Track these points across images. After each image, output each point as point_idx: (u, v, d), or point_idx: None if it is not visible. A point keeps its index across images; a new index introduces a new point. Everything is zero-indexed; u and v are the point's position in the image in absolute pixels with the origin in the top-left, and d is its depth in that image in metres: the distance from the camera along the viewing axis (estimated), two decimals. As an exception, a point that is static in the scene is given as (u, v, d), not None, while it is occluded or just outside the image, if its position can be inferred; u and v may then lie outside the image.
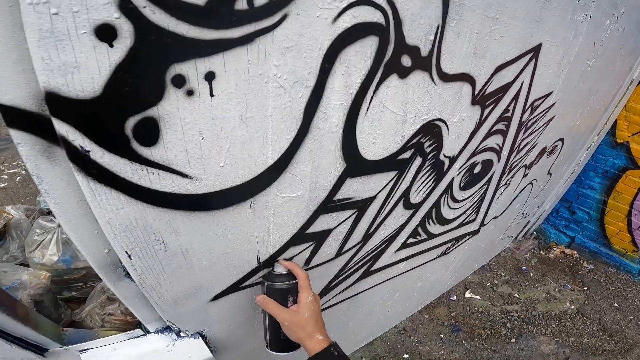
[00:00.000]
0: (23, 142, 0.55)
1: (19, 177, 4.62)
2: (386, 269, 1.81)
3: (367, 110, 0.93)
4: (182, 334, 1.08)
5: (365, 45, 0.80)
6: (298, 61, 0.71)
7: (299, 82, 0.74)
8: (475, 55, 1.13)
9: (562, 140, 2.52)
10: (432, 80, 1.05)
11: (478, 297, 3.26)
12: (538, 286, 3.44)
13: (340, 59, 0.77)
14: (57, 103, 0.51)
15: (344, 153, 0.97)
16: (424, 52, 0.95)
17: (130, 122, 0.57)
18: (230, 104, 0.66)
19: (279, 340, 0.99)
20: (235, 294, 1.10)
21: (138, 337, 1.05)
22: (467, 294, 3.27)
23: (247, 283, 1.09)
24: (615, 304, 3.32)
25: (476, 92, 1.28)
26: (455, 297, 3.24)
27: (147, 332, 1.06)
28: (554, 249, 3.96)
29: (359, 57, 0.81)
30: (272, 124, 0.75)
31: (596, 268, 3.72)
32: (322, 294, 1.50)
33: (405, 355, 2.72)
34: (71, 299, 2.44)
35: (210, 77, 0.61)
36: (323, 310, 1.62)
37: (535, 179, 2.72)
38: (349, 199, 1.13)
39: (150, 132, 0.60)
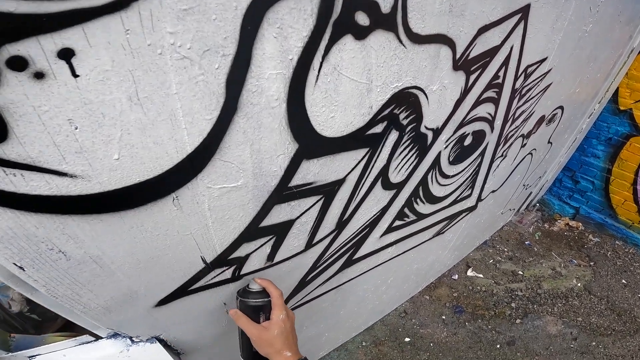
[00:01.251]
0: None
1: None
2: (372, 255, 1.69)
3: (317, 79, 0.77)
4: (134, 339, 1.01)
5: (302, 0, 0.64)
6: (205, 25, 0.56)
7: (212, 51, 0.59)
8: (452, 13, 0.97)
9: (561, 108, 2.38)
10: (400, 42, 0.89)
11: (481, 276, 3.17)
12: (543, 262, 3.34)
13: (268, 18, 0.62)
14: None
15: (293, 131, 0.82)
16: (385, 8, 0.79)
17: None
18: (108, 83, 0.51)
19: (251, 352, 0.99)
20: (188, 298, 0.99)
21: (89, 342, 0.98)
22: (469, 272, 3.19)
23: (196, 286, 0.97)
24: (623, 280, 3.20)
25: (457, 56, 1.13)
26: (457, 276, 3.15)
27: (98, 337, 0.98)
28: (558, 221, 3.84)
29: (296, 15, 0.65)
30: (181, 103, 0.60)
31: (602, 241, 3.60)
32: (299, 288, 1.39)
33: (407, 339, 2.65)
34: None
35: (67, 54, 0.46)
36: (306, 303, 1.55)
37: (534, 149, 2.59)
38: (310, 184, 0.99)
39: (-8, 125, 0.46)
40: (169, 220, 0.75)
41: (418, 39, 0.93)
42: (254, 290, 1.01)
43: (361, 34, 0.78)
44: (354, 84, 0.86)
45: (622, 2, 1.91)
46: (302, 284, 1.39)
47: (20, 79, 0.45)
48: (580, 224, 3.78)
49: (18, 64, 0.44)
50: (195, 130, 0.65)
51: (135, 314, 0.91)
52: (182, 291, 0.95)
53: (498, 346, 2.62)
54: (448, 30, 1.01)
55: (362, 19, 0.76)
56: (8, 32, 0.42)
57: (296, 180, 0.94)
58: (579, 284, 3.13)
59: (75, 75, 0.48)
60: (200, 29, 0.55)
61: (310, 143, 0.88)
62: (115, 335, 0.97)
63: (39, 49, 0.44)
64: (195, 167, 0.71)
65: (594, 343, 2.65)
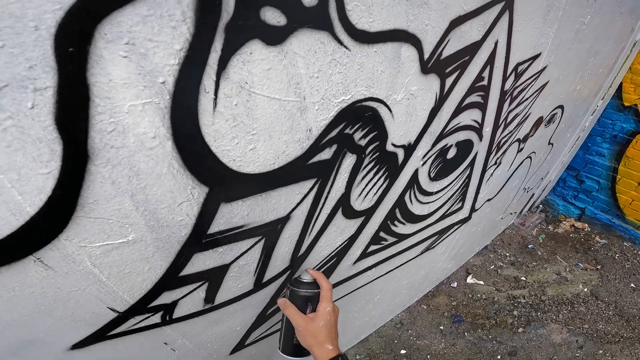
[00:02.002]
0: None
1: None
2: (348, 281, 1.54)
3: (216, 103, 0.58)
4: None
5: (162, 4, 0.46)
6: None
7: (13, 86, 0.40)
8: (411, 2, 0.78)
9: (561, 107, 2.25)
10: (340, 42, 0.70)
11: (481, 283, 3.06)
12: (547, 266, 3.22)
13: (103, 34, 0.44)
14: None
15: (195, 173, 0.63)
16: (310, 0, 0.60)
17: None
18: None
19: (291, 344, 1.00)
20: (111, 342, 0.86)
21: None
22: (469, 280, 3.08)
23: (117, 331, 0.84)
24: (632, 284, 3.08)
25: (426, 57, 0.94)
26: (456, 283, 3.04)
27: None
28: (563, 222, 3.72)
29: (155, 24, 0.47)
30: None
31: (610, 243, 3.50)
32: (258, 323, 1.29)
33: (403, 351, 2.55)
34: None
35: None
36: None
37: (534, 152, 2.45)
38: (240, 227, 0.81)
39: None
40: (40, 280, 0.61)
41: (366, 37, 0.75)
42: (305, 280, 1.01)
43: (275, 37, 0.59)
44: (276, 103, 0.67)
45: None
46: (262, 318, 1.28)
47: None
48: (587, 225, 3.68)
49: None
50: (29, 189, 0.48)
51: (47, 356, 0.79)
52: (99, 337, 0.82)
53: (499, 357, 2.53)
54: (408, 25, 0.82)
55: (272, 16, 0.57)
56: None
57: (218, 227, 0.77)
58: (585, 289, 3.03)
59: None
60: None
61: (224, 183, 0.70)
62: None
63: None
64: (49, 228, 0.54)
65: (600, 351, 2.55)
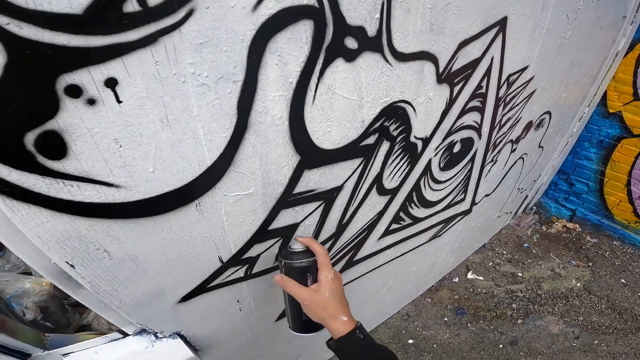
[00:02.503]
0: None
1: None
2: (372, 257, 1.79)
3: (314, 98, 0.89)
4: (159, 335, 1.08)
5: (298, 31, 0.76)
6: (218, 56, 0.68)
7: (225, 78, 0.71)
8: (433, 31, 1.09)
9: (549, 113, 2.48)
10: (387, 61, 1.01)
11: (481, 278, 3.25)
12: (542, 263, 3.41)
13: (270, 48, 0.74)
14: None
15: (295, 145, 0.94)
16: (371, 32, 0.91)
17: (30, 138, 0.55)
18: (144, 108, 0.63)
19: (301, 320, 0.96)
20: (206, 295, 1.09)
21: (117, 339, 1.06)
22: (470, 275, 3.26)
23: (214, 283, 1.07)
24: (622, 280, 3.26)
25: (441, 70, 1.24)
26: (457, 278, 3.23)
27: (125, 334, 1.06)
28: (556, 223, 3.91)
29: (293, 44, 0.77)
30: (202, 124, 0.72)
31: (600, 242, 3.66)
32: None
33: (410, 341, 2.71)
34: (78, 304, 2.44)
35: (111, 83, 0.58)
36: None
37: (525, 153, 2.68)
38: (311, 190, 1.10)
39: (55, 146, 0.58)
40: (192, 224, 0.86)
41: (403, 57, 1.05)
42: (297, 250, 0.95)
43: (351, 56, 0.90)
44: (347, 101, 0.98)
45: (601, 7, 2.00)
46: None
47: (76, 105, 0.56)
48: (578, 226, 3.83)
49: (74, 91, 0.55)
50: (213, 147, 0.77)
51: (161, 309, 1.01)
52: (202, 288, 1.05)
53: (501, 346, 2.69)
54: (430, 47, 1.13)
55: (351, 43, 0.88)
56: (63, 62, 0.53)
57: (299, 188, 1.05)
58: (578, 284, 3.19)
59: (119, 101, 0.60)
60: (214, 60, 0.67)
61: (310, 155, 1.00)
62: (141, 332, 1.06)
63: (90, 78, 0.56)
64: (214, 177, 0.83)
65: (596, 341, 2.71)
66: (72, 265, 0.73)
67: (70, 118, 0.57)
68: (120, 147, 0.64)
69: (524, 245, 3.62)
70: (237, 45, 0.69)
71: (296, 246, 0.96)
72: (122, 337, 1.06)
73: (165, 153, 0.70)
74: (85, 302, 0.88)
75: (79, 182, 0.62)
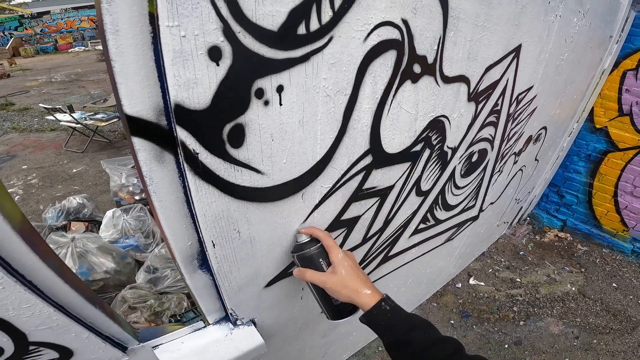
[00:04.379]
0: (143, 148, 0.70)
1: (17, 197, 4.78)
2: (401, 254, 1.98)
3: (389, 111, 1.11)
4: (238, 322, 1.19)
5: (387, 58, 0.98)
6: (339, 74, 0.89)
7: (340, 91, 0.92)
8: (469, 59, 1.32)
9: (545, 128, 2.71)
10: (437, 82, 1.23)
11: (482, 284, 3.43)
12: (538, 270, 3.61)
13: (369, 70, 0.96)
14: (181, 114, 0.67)
15: (371, 147, 1.15)
16: (430, 60, 1.14)
17: (227, 128, 0.75)
18: (292, 111, 0.84)
19: (334, 307, 1.00)
20: (284, 281, 1.24)
21: (200, 329, 1.15)
22: (472, 281, 3.44)
23: (292, 270, 1.22)
24: (614, 284, 3.47)
25: (471, 90, 1.47)
26: (460, 284, 3.40)
27: (207, 324, 1.17)
28: (548, 233, 4.13)
29: (383, 68, 0.99)
30: (321, 126, 0.93)
31: (590, 250, 3.89)
32: None
33: None
34: None
35: (280, 89, 0.78)
36: None
37: (524, 165, 2.91)
38: (374, 187, 1.30)
39: (238, 136, 0.77)
40: (295, 210, 1.05)
41: (447, 79, 1.28)
42: (304, 241, 1.03)
43: (415, 78, 1.13)
44: (408, 114, 1.20)
45: (592, 29, 2.25)
46: None
47: (258, 105, 0.76)
48: (569, 235, 4.05)
49: (259, 93, 0.75)
50: (324, 145, 0.98)
51: (251, 293, 1.15)
52: (284, 273, 1.22)
53: (506, 346, 2.85)
54: (466, 71, 1.36)
55: (417, 68, 1.11)
56: (259, 69, 0.71)
57: (367, 185, 1.26)
58: (573, 288, 3.39)
59: (280, 104, 0.80)
60: (337, 77, 0.88)
61: (378, 157, 1.21)
62: (219, 321, 1.18)
63: (270, 84, 0.75)
64: (318, 171, 1.03)
65: (595, 341, 2.88)
66: (214, 245, 0.91)
67: (252, 115, 0.76)
68: (273, 140, 0.84)
69: (520, 253, 3.83)
70: (351, 66, 0.91)
71: (302, 238, 1.05)
72: (204, 327, 1.16)
73: (295, 148, 0.90)
74: (193, 286, 1.02)
75: (242, 167, 0.82)
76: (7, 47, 19.93)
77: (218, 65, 0.66)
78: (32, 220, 4.00)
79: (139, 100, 0.65)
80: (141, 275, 2.83)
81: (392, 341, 0.86)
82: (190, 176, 0.75)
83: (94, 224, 3.69)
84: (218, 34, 0.63)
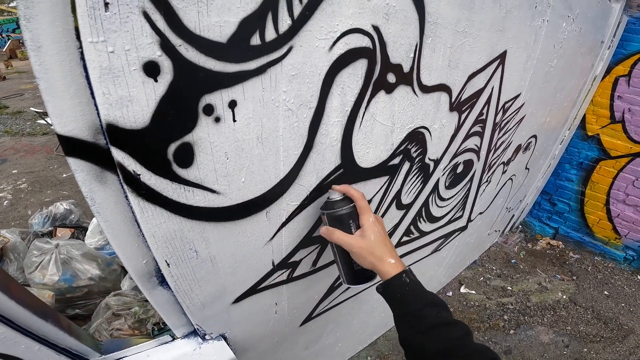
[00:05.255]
0: (79, 168, 0.65)
1: (6, 202, 4.69)
2: None
3: (361, 124, 1.06)
4: (207, 337, 1.16)
5: (356, 67, 0.93)
6: (302, 86, 0.84)
7: (304, 105, 0.87)
8: (450, 66, 1.27)
9: (535, 137, 2.68)
10: (414, 92, 1.19)
11: (473, 292, 3.40)
12: (529, 278, 3.59)
13: (336, 81, 0.90)
14: (115, 133, 0.61)
15: (343, 160, 1.09)
16: (406, 68, 1.09)
17: (172, 148, 0.69)
18: (249, 127, 0.78)
19: (354, 271, 0.99)
20: (254, 296, 1.20)
21: (167, 342, 1.12)
22: (462, 289, 3.40)
23: (263, 285, 1.20)
24: (606, 292, 3.46)
25: (453, 100, 1.42)
26: (451, 292, 3.36)
27: (174, 337, 1.13)
28: (540, 240, 4.11)
29: (352, 78, 0.94)
30: (283, 142, 0.88)
31: (582, 257, 3.88)
32: (328, 293, 1.62)
33: None
34: (75, 317, 2.54)
35: (232, 105, 0.73)
36: (330, 309, 1.74)
37: (514, 175, 2.88)
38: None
39: (186, 156, 0.72)
40: (261, 229, 1.00)
41: (426, 89, 1.23)
42: (336, 199, 0.98)
43: (390, 89, 1.08)
44: (383, 127, 1.15)
45: (582, 35, 2.21)
46: (332, 288, 1.61)
47: (207, 122, 0.71)
48: (561, 243, 4.04)
49: (208, 110, 0.70)
50: (287, 162, 0.93)
51: (218, 310, 1.11)
52: (253, 289, 1.17)
53: None
54: (447, 80, 1.31)
55: (391, 78, 1.06)
56: (207, 84, 0.67)
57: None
58: (564, 297, 3.37)
59: (234, 120, 0.75)
60: (299, 89, 0.83)
61: (352, 172, 1.16)
62: (188, 335, 1.14)
63: (220, 99, 0.70)
64: (283, 189, 0.97)
65: (585, 349, 2.86)
66: (168, 264, 0.86)
67: (201, 133, 0.71)
68: (227, 159, 0.79)
69: (512, 261, 3.81)
70: (316, 78, 0.85)
71: (334, 196, 0.99)
72: (172, 340, 1.13)
73: (255, 166, 0.85)
74: (155, 303, 0.98)
75: (194, 187, 0.77)
76: (4, 50, 19.77)
77: (156, 81, 0.61)
78: (19, 226, 3.95)
79: (70, 119, 0.60)
80: (126, 283, 2.79)
81: (404, 314, 0.86)
82: (133, 198, 0.70)
83: (80, 231, 3.64)
84: (154, 48, 0.58)
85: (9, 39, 22.55)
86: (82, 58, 0.56)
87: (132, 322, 2.44)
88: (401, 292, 0.86)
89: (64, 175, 5.59)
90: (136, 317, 2.46)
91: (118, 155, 0.64)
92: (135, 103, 0.61)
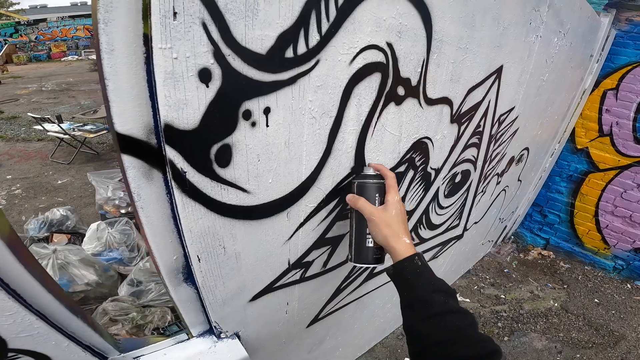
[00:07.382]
0: (132, 165, 0.72)
1: None
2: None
3: (373, 133, 1.14)
4: (222, 335, 1.18)
5: (372, 80, 1.02)
6: (325, 96, 0.92)
7: (326, 113, 0.95)
8: (452, 80, 1.36)
9: (527, 149, 2.78)
10: (420, 105, 1.27)
11: (467, 300, 3.49)
12: (521, 286, 3.69)
13: (354, 92, 0.99)
14: (170, 133, 0.69)
15: (355, 165, 1.17)
16: (414, 82, 1.18)
17: (214, 148, 0.77)
18: (278, 132, 0.87)
19: (364, 247, 1.03)
20: (269, 295, 1.25)
21: (183, 341, 1.14)
22: (457, 298, 3.42)
23: (278, 284, 1.25)
24: (596, 300, 3.56)
25: (454, 112, 1.51)
26: (446, 300, 3.42)
27: (190, 336, 1.15)
28: (532, 251, 4.22)
29: (367, 90, 1.03)
30: (306, 147, 0.96)
31: (573, 267, 3.99)
32: (334, 295, 1.67)
33: (406, 359, 2.81)
34: None
35: (267, 111, 0.81)
36: (334, 312, 1.79)
37: (507, 186, 2.97)
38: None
39: (226, 156, 0.80)
40: (281, 228, 1.07)
41: (430, 101, 1.32)
42: (370, 173, 1.05)
43: (399, 100, 1.17)
44: (392, 136, 1.24)
45: (572, 49, 2.31)
46: (338, 290, 1.67)
47: (245, 126, 0.79)
48: (552, 253, 4.15)
49: (247, 115, 0.78)
50: (309, 166, 1.01)
51: (236, 307, 1.15)
52: (269, 288, 1.23)
53: None
54: (449, 93, 1.39)
55: (400, 90, 1.15)
56: (247, 91, 0.75)
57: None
58: (556, 304, 3.47)
59: (267, 125, 0.83)
60: (322, 99, 0.92)
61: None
62: (203, 333, 1.18)
63: (257, 106, 0.78)
64: (303, 191, 1.05)
65: (578, 355, 2.94)
66: (199, 259, 0.92)
67: (239, 135, 0.79)
68: (259, 161, 0.86)
69: (505, 270, 3.90)
70: (337, 89, 0.94)
71: (369, 171, 1.06)
72: (188, 339, 1.15)
73: (281, 168, 0.93)
74: (177, 299, 1.03)
75: (229, 186, 0.84)
76: (0, 54, 19.73)
77: (208, 86, 0.69)
78: (14, 232, 3.95)
79: (130, 119, 0.67)
80: (124, 288, 2.82)
81: (411, 298, 0.87)
82: (177, 194, 0.77)
83: (76, 237, 3.67)
84: (208, 57, 0.66)
85: (5, 43, 22.47)
86: (146, 62, 0.63)
87: (130, 327, 2.47)
88: (412, 274, 0.88)
89: (59, 182, 5.61)
90: (134, 323, 2.49)
91: (171, 153, 0.71)
92: (189, 106, 0.68)
